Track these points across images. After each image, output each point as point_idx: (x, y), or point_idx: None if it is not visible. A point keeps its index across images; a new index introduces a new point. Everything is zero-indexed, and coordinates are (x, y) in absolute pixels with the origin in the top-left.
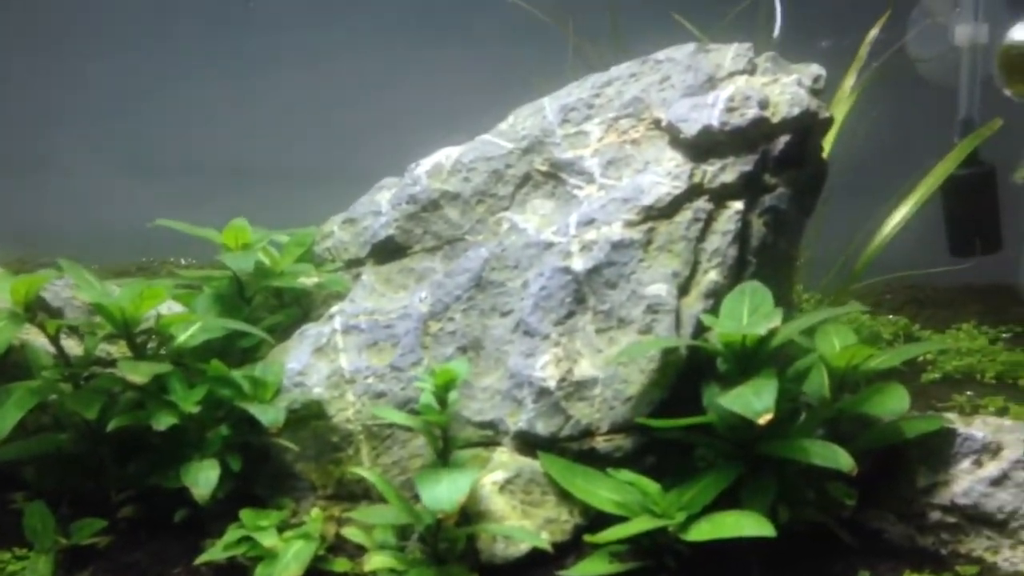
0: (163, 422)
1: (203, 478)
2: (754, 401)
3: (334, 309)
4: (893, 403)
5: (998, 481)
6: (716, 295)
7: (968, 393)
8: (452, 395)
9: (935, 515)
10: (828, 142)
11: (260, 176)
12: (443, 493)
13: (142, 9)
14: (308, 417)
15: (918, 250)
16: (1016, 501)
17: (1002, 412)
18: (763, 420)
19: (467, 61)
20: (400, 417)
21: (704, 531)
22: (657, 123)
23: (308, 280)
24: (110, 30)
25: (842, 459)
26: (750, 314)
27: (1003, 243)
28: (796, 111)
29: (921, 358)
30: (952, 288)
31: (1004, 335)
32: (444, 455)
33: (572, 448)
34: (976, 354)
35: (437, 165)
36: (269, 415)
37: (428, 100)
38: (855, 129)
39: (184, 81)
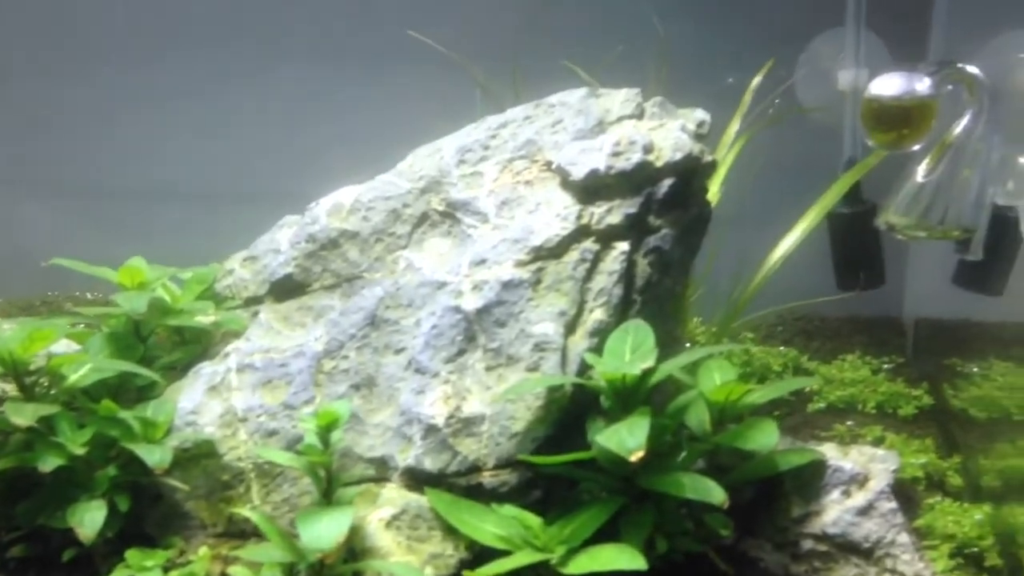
0: (49, 463)
1: (88, 519)
2: (627, 439)
3: (230, 347)
4: (764, 438)
5: (864, 511)
6: (601, 333)
7: (849, 423)
8: (335, 435)
9: (807, 544)
10: (719, 180)
11: (171, 201)
12: (323, 532)
13: (52, 32)
14: (199, 456)
15: (809, 283)
16: (881, 530)
17: (878, 441)
18: (635, 457)
19: (379, 98)
20: (283, 458)
21: (582, 564)
22: (549, 165)
23: (205, 318)
24: (19, 54)
25: (714, 493)
26: (632, 352)
27: (886, 278)
28: (679, 156)
29: (808, 389)
30: (839, 319)
31: (886, 366)
32: (328, 494)
33: (459, 483)
34: (859, 384)
35: (337, 204)
36: (155, 456)
37: (338, 134)
38: (749, 166)
39: (94, 106)
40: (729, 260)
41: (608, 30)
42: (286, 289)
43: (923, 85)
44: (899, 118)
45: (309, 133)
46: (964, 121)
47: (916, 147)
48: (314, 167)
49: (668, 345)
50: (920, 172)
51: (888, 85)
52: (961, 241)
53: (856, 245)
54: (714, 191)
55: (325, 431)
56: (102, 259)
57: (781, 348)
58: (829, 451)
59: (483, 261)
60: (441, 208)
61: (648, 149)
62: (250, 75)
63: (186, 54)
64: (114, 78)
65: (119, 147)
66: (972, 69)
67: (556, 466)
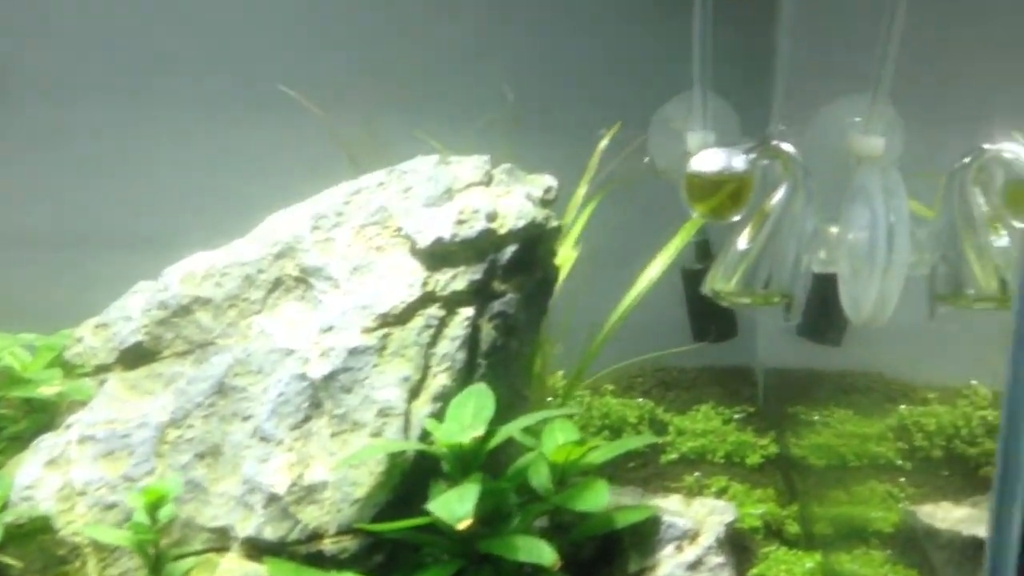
0: None
1: None
2: (456, 507)
3: (72, 419)
4: (595, 499)
5: (694, 566)
6: (445, 398)
7: (697, 473)
8: (164, 511)
9: None
10: (573, 239)
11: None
12: None
13: None
14: (34, 531)
15: (669, 335)
16: None
17: (722, 492)
18: (462, 525)
19: (252, 151)
20: (110, 536)
21: None
22: (400, 231)
23: (50, 389)
24: None
25: (545, 555)
26: (473, 416)
27: (738, 330)
28: (522, 223)
29: (662, 439)
30: (696, 370)
31: (737, 416)
32: (157, 569)
33: (300, 551)
34: (710, 435)
35: (190, 271)
36: None
37: (208, 184)
38: (604, 224)
39: None
40: (588, 315)
41: (464, 97)
42: (136, 356)
43: (739, 161)
44: (718, 192)
45: (179, 183)
46: (779, 193)
47: (736, 218)
48: (184, 215)
49: (517, 405)
50: (741, 241)
51: (708, 162)
52: (785, 306)
53: (707, 299)
54: (568, 250)
55: (152, 507)
56: None
57: (639, 400)
58: (673, 504)
59: (331, 328)
60: (295, 274)
61: (492, 217)
62: (120, 124)
63: (51, 99)
64: None
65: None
66: (786, 146)
67: (397, 532)
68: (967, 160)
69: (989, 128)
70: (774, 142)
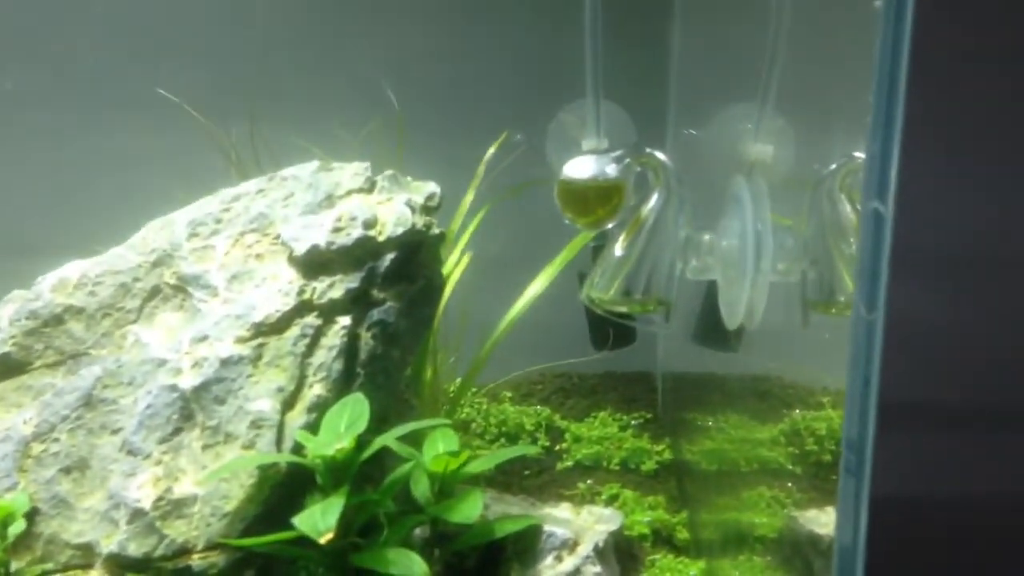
0: None
1: None
2: (319, 521)
3: None
4: (468, 511)
5: (573, 575)
6: (320, 408)
7: (590, 481)
8: (13, 528)
9: None
10: (461, 246)
11: None
12: None
13: None
14: None
15: (570, 342)
16: None
17: (613, 499)
18: (324, 540)
19: (129, 153)
20: None
21: None
22: (278, 239)
23: None
24: None
25: (416, 568)
26: (347, 427)
27: (635, 337)
28: (400, 230)
29: (559, 446)
30: (597, 376)
31: (634, 422)
32: None
33: (167, 568)
34: (606, 442)
35: (63, 279)
36: None
37: (67, 206)
38: (495, 231)
39: None
40: (483, 322)
41: (348, 103)
42: (4, 369)
43: (611, 168)
44: (591, 199)
45: (52, 187)
46: (652, 202)
47: (610, 225)
48: (60, 217)
49: (404, 414)
50: (617, 249)
51: (580, 169)
52: (663, 313)
53: None
54: (456, 259)
55: (2, 525)
56: None
57: (537, 407)
58: (563, 512)
59: (205, 338)
60: (172, 282)
61: (369, 224)
62: None
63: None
64: None
65: None
66: (659, 155)
67: (265, 546)
68: (834, 167)
69: (858, 135)
70: (647, 150)
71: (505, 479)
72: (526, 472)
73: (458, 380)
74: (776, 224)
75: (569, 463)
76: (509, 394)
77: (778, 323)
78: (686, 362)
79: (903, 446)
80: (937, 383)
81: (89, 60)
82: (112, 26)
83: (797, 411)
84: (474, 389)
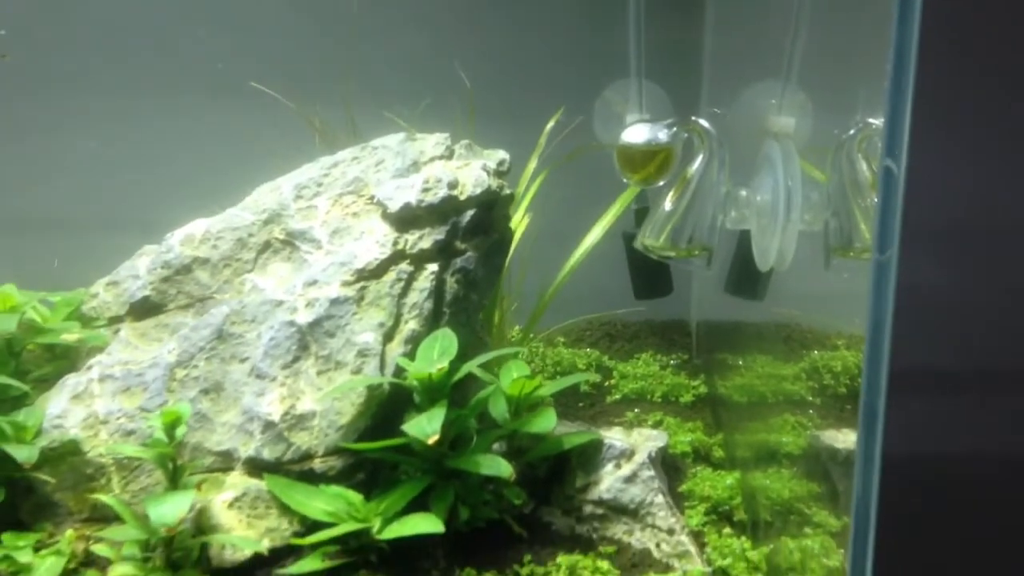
0: None
1: None
2: (426, 426)
3: (93, 361)
4: (544, 423)
5: (630, 479)
6: (415, 341)
7: (637, 410)
8: (179, 430)
9: (588, 508)
10: (525, 207)
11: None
12: (167, 511)
13: None
14: (65, 454)
15: (614, 293)
16: (642, 493)
17: (658, 424)
18: (431, 440)
19: (231, 139)
20: (135, 451)
21: (393, 531)
22: (372, 199)
23: (71, 336)
24: None
25: (503, 468)
26: (439, 355)
27: (673, 288)
28: (479, 190)
29: (608, 382)
30: (638, 324)
31: (672, 362)
32: (174, 480)
33: (293, 470)
34: (649, 378)
35: (189, 235)
36: (24, 453)
37: (187, 176)
38: (552, 194)
39: None
40: (541, 276)
41: (426, 83)
42: (144, 309)
43: (663, 134)
44: (646, 161)
45: (166, 169)
46: (697, 162)
47: (662, 183)
48: (171, 199)
49: (478, 349)
50: (667, 203)
51: (636, 134)
52: (706, 258)
53: (646, 260)
54: (520, 217)
55: (170, 427)
56: None
57: (587, 349)
58: (615, 434)
59: (315, 282)
60: (281, 237)
61: (453, 185)
62: (113, 114)
63: (53, 93)
64: None
65: None
66: (702, 122)
67: (375, 451)
68: (853, 132)
69: (873, 104)
70: (692, 118)
71: (563, 410)
72: (580, 404)
73: (516, 328)
74: (804, 179)
75: (617, 396)
76: (562, 339)
77: (800, 277)
78: (717, 311)
79: (914, 406)
80: (947, 338)
81: (203, 58)
82: (215, 21)
83: (816, 352)
84: (531, 335)
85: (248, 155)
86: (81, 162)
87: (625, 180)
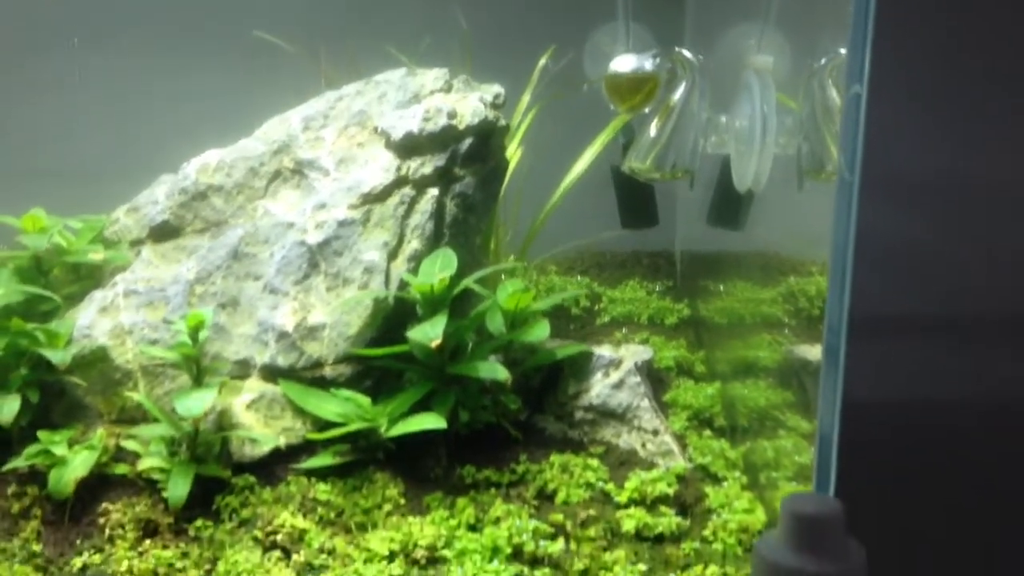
0: None
1: (6, 408)
2: (429, 331)
3: (117, 278)
4: (539, 332)
5: (618, 385)
6: (417, 259)
7: (624, 330)
8: (202, 334)
9: (579, 414)
10: (518, 141)
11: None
12: (193, 404)
13: None
14: (95, 361)
15: (602, 225)
16: (630, 398)
17: (644, 342)
18: (434, 344)
19: (239, 83)
20: (161, 352)
21: (399, 428)
22: (376, 130)
23: (97, 255)
24: None
25: (499, 372)
26: (440, 270)
27: (659, 219)
28: (476, 120)
29: (597, 306)
30: (625, 254)
31: (658, 288)
32: (198, 380)
33: (306, 376)
34: (636, 302)
35: (204, 164)
36: (58, 356)
37: (198, 114)
38: (544, 128)
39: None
40: (532, 209)
41: (424, 22)
42: (163, 233)
43: (649, 63)
44: (632, 89)
45: (178, 116)
46: (680, 90)
47: (647, 110)
48: (186, 141)
49: (475, 271)
50: (652, 129)
51: (623, 64)
52: (690, 181)
53: (633, 192)
54: (514, 149)
55: (194, 331)
56: None
57: (578, 277)
58: (605, 349)
59: (323, 205)
60: (291, 166)
61: (452, 115)
62: (131, 69)
63: (81, 49)
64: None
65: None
66: (685, 52)
67: (381, 358)
68: (824, 61)
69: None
70: (676, 49)
71: (555, 332)
72: (571, 327)
73: (511, 257)
74: (779, 107)
75: (606, 319)
76: (554, 268)
77: (776, 211)
78: (700, 242)
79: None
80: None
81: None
82: None
83: (792, 278)
84: (525, 263)
85: (257, 99)
86: (109, 114)
87: (613, 108)
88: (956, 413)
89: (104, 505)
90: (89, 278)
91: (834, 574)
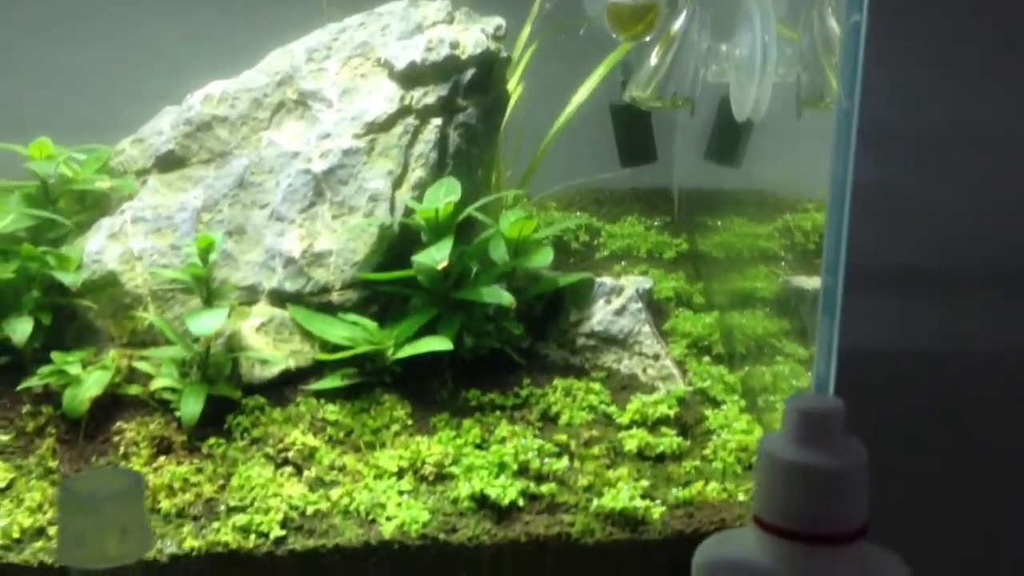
0: None
1: (19, 329)
2: (435, 254)
3: (125, 206)
4: (541, 259)
5: (620, 311)
6: (422, 187)
7: (623, 263)
8: (211, 256)
9: (581, 340)
10: (518, 75)
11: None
12: (205, 323)
13: None
14: (105, 285)
15: (601, 163)
16: (630, 324)
17: (643, 273)
18: (440, 266)
19: (244, 24)
20: (172, 273)
21: (405, 351)
22: (379, 61)
23: (104, 184)
24: None
25: (503, 296)
26: (444, 196)
27: (657, 156)
28: (478, 51)
29: (596, 241)
30: (624, 191)
31: (656, 223)
32: (208, 301)
33: (313, 301)
34: (635, 237)
35: (209, 95)
36: (69, 278)
37: (201, 47)
38: (544, 65)
39: None
40: (532, 145)
41: None
42: (169, 163)
43: None
44: (633, 17)
45: (184, 53)
46: (680, 19)
47: (648, 39)
48: (190, 75)
49: (477, 200)
50: (653, 58)
51: None
52: (690, 109)
53: (632, 129)
54: (515, 84)
55: (204, 252)
56: None
57: (577, 213)
58: (605, 279)
59: (328, 135)
60: (294, 97)
61: (454, 46)
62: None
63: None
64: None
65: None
66: None
67: (387, 283)
68: None
69: None
70: None
71: (555, 265)
72: (571, 261)
73: (512, 193)
74: (779, 37)
75: (605, 253)
76: (554, 204)
77: (773, 148)
78: (699, 179)
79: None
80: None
81: None
82: None
83: (788, 215)
84: (525, 198)
85: (261, 31)
86: (113, 52)
87: (615, 36)
88: (952, 362)
89: (118, 424)
90: (95, 207)
91: (838, 468)
